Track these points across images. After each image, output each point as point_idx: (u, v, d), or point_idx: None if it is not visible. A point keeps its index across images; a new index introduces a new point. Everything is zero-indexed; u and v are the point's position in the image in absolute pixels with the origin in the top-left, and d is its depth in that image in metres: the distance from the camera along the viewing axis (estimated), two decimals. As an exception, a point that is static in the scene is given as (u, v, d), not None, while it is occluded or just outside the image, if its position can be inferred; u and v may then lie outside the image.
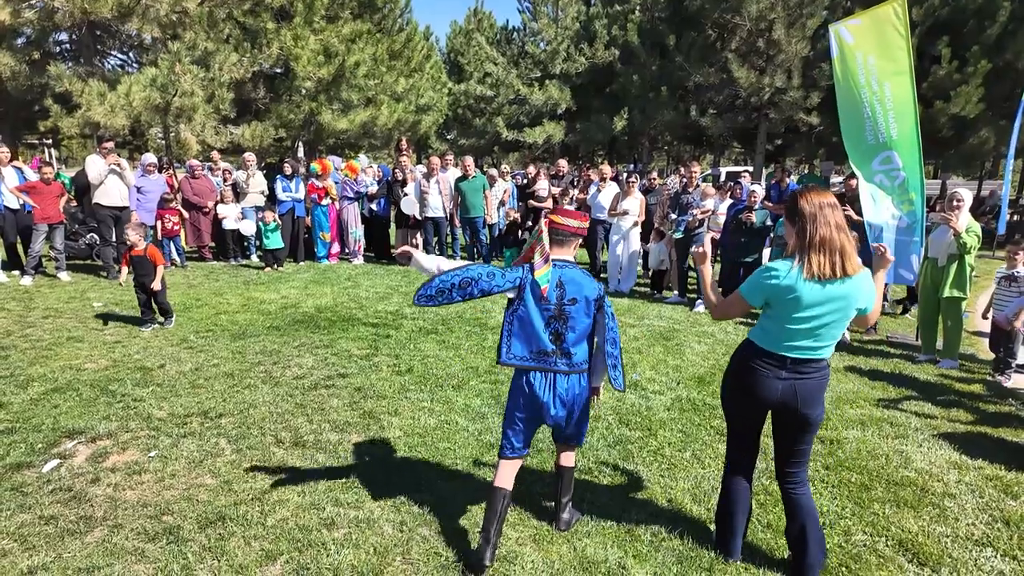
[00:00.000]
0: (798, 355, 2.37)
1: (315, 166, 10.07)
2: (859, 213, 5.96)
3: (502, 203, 10.16)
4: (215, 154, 10.78)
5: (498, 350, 2.67)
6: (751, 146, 19.73)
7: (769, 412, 2.50)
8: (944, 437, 3.91)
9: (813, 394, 2.39)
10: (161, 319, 6.14)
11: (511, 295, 2.60)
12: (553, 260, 2.60)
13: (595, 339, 2.69)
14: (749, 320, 6.12)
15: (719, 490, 2.75)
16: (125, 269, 6.05)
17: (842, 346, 5.90)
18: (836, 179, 21.37)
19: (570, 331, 2.58)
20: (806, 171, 14.11)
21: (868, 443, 3.80)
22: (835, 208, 2.29)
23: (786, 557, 2.66)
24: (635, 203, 8.12)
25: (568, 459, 2.88)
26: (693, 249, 2.77)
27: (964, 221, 5.15)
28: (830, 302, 2.29)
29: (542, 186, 9.26)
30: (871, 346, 5.97)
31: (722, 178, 20.33)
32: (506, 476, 2.65)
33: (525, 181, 10.86)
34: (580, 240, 2.74)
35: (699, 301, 7.41)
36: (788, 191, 9.09)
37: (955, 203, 5.18)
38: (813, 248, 2.26)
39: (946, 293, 5.27)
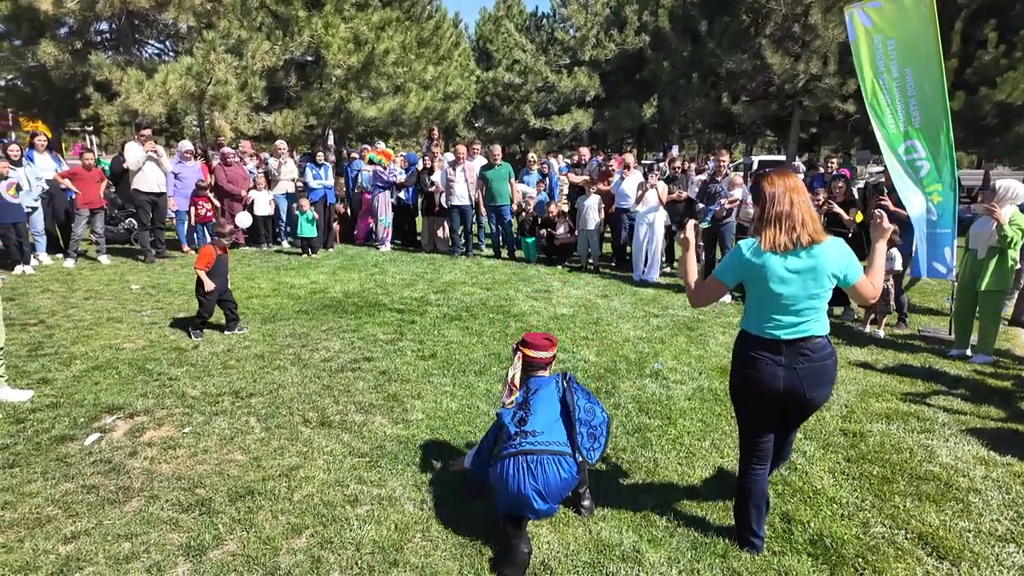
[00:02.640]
0: (788, 335, 2.39)
1: (375, 155, 10.37)
2: (897, 203, 5.82)
3: (525, 197, 10.14)
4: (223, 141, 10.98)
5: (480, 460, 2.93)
6: (784, 135, 19.30)
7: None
8: (972, 432, 3.83)
9: (819, 377, 2.40)
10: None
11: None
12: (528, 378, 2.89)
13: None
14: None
15: (736, 486, 2.72)
16: (203, 272, 5.27)
17: (872, 340, 5.80)
18: (875, 168, 20.81)
19: (532, 414, 2.72)
20: (840, 160, 13.64)
21: (892, 437, 3.75)
22: (796, 189, 2.39)
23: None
24: (660, 186, 8.07)
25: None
26: (677, 236, 2.86)
27: (1008, 213, 5.00)
28: (798, 273, 2.36)
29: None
30: (901, 340, 5.85)
31: (755, 167, 19.97)
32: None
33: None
34: (551, 366, 2.99)
35: None
36: (813, 183, 8.89)
37: (999, 194, 5.02)
38: (770, 223, 2.38)
39: (984, 286, 5.12)
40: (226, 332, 5.50)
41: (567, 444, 2.67)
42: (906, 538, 2.77)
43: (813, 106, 16.20)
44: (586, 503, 2.91)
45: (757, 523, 2.62)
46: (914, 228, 5.26)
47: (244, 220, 9.56)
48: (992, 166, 20.06)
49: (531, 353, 2.90)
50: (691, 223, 2.74)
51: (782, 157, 20.01)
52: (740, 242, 2.49)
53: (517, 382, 2.86)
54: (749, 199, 7.82)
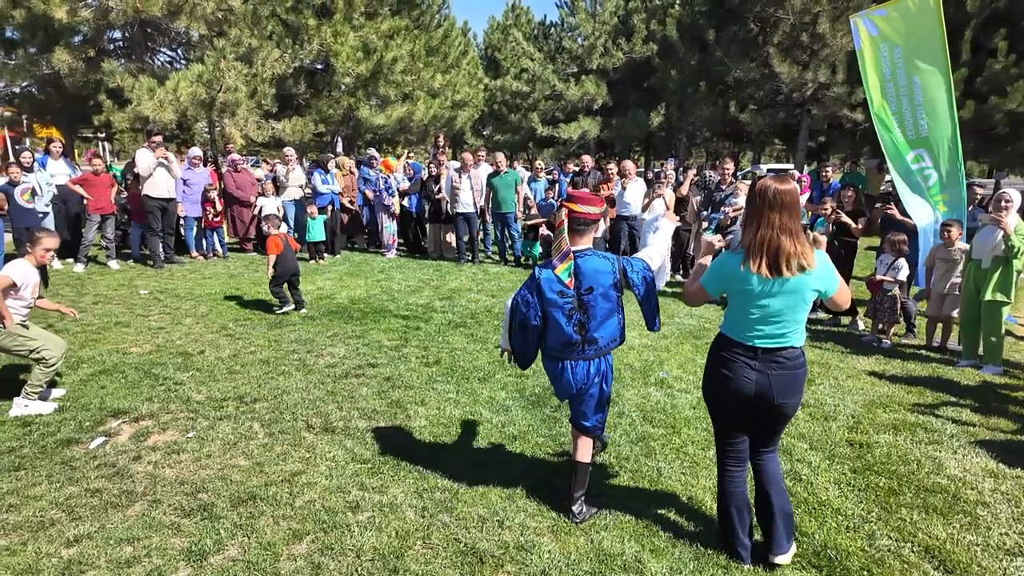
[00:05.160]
0: (765, 344, 2.42)
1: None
2: (903, 212, 5.78)
3: (527, 206, 10.13)
4: (230, 146, 11.12)
5: (520, 356, 2.91)
6: (792, 143, 19.24)
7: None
8: (982, 444, 3.79)
9: (789, 384, 2.44)
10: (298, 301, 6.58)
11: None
12: (572, 251, 2.70)
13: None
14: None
15: (717, 492, 2.72)
16: (272, 258, 6.34)
17: (879, 349, 5.74)
18: (888, 177, 20.73)
19: (592, 319, 2.71)
20: (847, 169, 13.71)
21: (900, 448, 3.71)
22: (784, 208, 2.29)
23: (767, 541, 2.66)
24: (667, 194, 8.06)
25: (582, 453, 2.90)
26: (706, 237, 2.79)
27: (1012, 223, 4.96)
28: (781, 294, 2.36)
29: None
30: (910, 350, 5.79)
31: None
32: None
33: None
34: (598, 224, 2.83)
35: None
36: (831, 190, 8.85)
37: (1003, 204, 4.98)
38: (754, 247, 2.35)
39: (988, 296, 5.07)
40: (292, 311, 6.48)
41: (619, 336, 2.83)
42: (912, 551, 2.73)
43: (821, 115, 16.16)
44: (575, 508, 2.88)
45: (741, 529, 2.61)
46: (920, 238, 5.22)
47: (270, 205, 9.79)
48: (1003, 175, 19.93)
49: (579, 208, 2.65)
50: (718, 237, 2.76)
51: (790, 165, 19.93)
52: (726, 254, 2.49)
53: (566, 244, 2.65)
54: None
